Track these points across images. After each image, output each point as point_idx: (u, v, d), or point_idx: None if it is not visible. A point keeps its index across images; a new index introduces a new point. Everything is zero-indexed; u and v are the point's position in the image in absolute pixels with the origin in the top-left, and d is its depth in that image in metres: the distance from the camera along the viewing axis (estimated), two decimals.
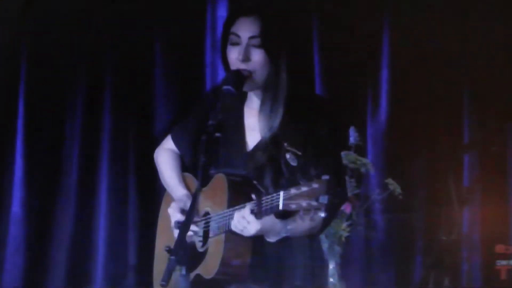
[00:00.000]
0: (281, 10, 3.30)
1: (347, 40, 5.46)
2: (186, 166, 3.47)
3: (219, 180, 3.20)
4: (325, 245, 4.83)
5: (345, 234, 4.90)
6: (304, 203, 2.84)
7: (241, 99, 3.31)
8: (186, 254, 2.87)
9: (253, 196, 3.03)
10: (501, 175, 5.41)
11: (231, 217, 3.08)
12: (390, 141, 5.54)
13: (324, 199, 2.81)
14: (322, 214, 2.83)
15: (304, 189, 2.84)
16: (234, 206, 3.09)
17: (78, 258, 5.48)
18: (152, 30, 5.56)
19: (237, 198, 3.12)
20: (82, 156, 5.51)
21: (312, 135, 3.15)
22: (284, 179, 3.13)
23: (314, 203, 2.82)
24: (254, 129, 3.27)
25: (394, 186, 4.99)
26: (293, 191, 2.87)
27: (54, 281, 5.45)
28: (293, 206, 2.86)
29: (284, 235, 3.09)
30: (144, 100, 5.57)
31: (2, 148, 5.48)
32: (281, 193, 2.89)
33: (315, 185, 2.83)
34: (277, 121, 3.20)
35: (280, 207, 2.89)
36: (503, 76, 5.37)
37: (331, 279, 4.86)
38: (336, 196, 2.89)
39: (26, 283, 5.43)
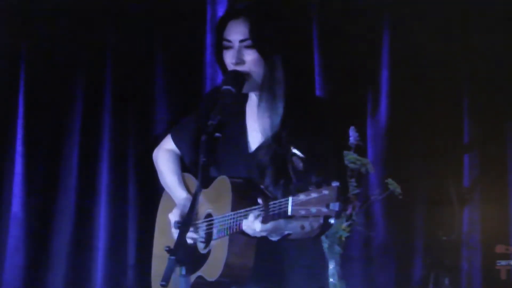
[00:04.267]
0: (272, 8, 3.28)
1: (347, 41, 5.47)
2: (187, 166, 3.46)
3: (223, 183, 3.18)
4: (325, 245, 4.84)
5: (345, 234, 4.90)
6: (313, 210, 2.77)
7: (243, 99, 3.30)
8: (186, 254, 2.86)
9: (259, 200, 3.00)
10: (501, 175, 5.41)
11: (235, 219, 3.06)
12: (390, 141, 5.54)
13: (335, 206, 2.74)
14: (332, 221, 2.79)
15: (314, 195, 2.78)
16: (238, 209, 3.06)
17: (78, 258, 5.47)
18: (152, 30, 5.56)
19: (240, 201, 3.09)
20: (82, 156, 5.50)
21: (316, 140, 3.14)
22: (290, 183, 3.10)
23: (324, 209, 2.76)
24: (256, 130, 3.26)
25: (394, 186, 5.00)
26: (302, 197, 2.80)
27: (54, 281, 5.45)
28: (303, 212, 2.80)
29: (286, 233, 3.06)
30: (144, 100, 5.57)
31: (2, 148, 5.48)
32: (290, 198, 2.83)
33: (325, 191, 2.77)
34: (277, 119, 3.18)
35: (289, 213, 2.83)
36: (503, 76, 5.37)
37: (331, 279, 4.86)
38: (345, 203, 2.85)
39: (26, 283, 5.43)
